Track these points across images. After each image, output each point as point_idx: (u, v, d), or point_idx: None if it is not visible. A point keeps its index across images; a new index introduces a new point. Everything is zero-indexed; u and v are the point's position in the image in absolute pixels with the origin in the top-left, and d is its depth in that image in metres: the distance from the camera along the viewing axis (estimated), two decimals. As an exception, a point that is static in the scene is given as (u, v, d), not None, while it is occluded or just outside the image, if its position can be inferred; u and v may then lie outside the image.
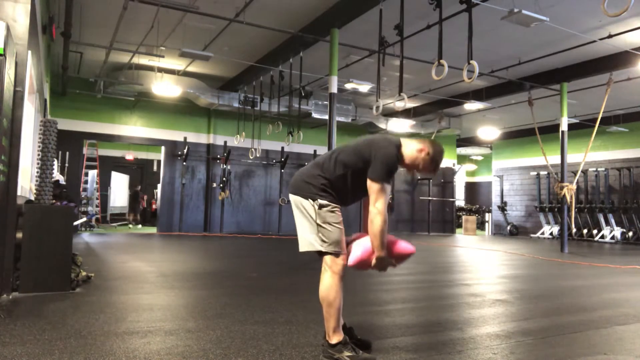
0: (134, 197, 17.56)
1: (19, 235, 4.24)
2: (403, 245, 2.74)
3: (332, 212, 2.65)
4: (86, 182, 14.49)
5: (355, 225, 10.24)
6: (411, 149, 2.77)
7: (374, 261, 2.65)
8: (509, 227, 18.45)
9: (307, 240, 2.67)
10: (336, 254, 2.63)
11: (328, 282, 2.62)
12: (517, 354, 2.88)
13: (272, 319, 3.53)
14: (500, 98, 12.81)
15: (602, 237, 14.99)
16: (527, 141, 17.69)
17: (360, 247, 2.69)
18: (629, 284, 6.01)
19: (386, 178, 2.62)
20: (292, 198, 2.75)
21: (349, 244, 2.76)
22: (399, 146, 2.76)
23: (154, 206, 17.63)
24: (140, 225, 16.47)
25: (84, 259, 5.69)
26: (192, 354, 2.66)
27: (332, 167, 2.70)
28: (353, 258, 2.67)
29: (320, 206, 2.64)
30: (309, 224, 2.66)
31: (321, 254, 2.66)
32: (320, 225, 2.63)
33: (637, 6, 7.10)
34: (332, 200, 2.67)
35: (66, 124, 12.20)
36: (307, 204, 2.67)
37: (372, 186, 2.61)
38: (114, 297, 4.19)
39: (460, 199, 24.42)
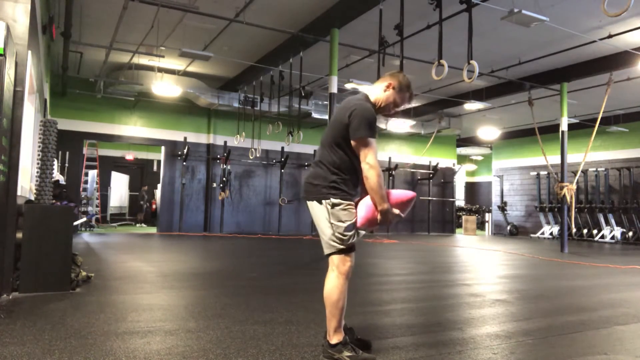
0: (141, 197, 17.66)
1: (19, 235, 4.24)
2: (401, 193, 2.72)
3: (345, 210, 2.64)
4: (86, 182, 14.49)
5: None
6: (379, 92, 2.79)
7: (379, 216, 2.63)
8: (509, 227, 18.45)
9: (328, 242, 2.65)
10: (346, 254, 2.62)
11: (333, 283, 2.62)
12: (517, 354, 2.88)
13: (272, 319, 3.53)
14: (500, 98, 12.82)
15: (602, 237, 14.99)
16: (527, 141, 17.70)
17: (364, 206, 2.67)
18: (629, 284, 6.01)
19: (369, 132, 2.60)
20: (309, 205, 2.74)
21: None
22: (367, 97, 2.77)
23: (153, 206, 17.64)
24: (144, 224, 16.56)
25: (84, 259, 5.69)
26: (192, 354, 2.66)
27: (328, 155, 2.69)
28: (360, 218, 2.66)
29: (333, 205, 2.62)
30: (326, 225, 2.64)
31: (329, 253, 2.66)
32: (335, 224, 2.62)
33: (637, 6, 7.11)
34: (345, 197, 2.65)
35: (66, 124, 12.20)
36: (321, 207, 2.65)
37: (358, 144, 2.60)
38: (114, 297, 4.19)
39: (460, 199, 24.42)
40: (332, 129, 2.73)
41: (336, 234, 2.61)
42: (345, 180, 2.68)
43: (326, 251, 2.69)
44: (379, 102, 2.79)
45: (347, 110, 2.67)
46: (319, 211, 2.67)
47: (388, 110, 2.83)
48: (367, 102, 2.73)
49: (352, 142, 2.62)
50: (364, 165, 2.59)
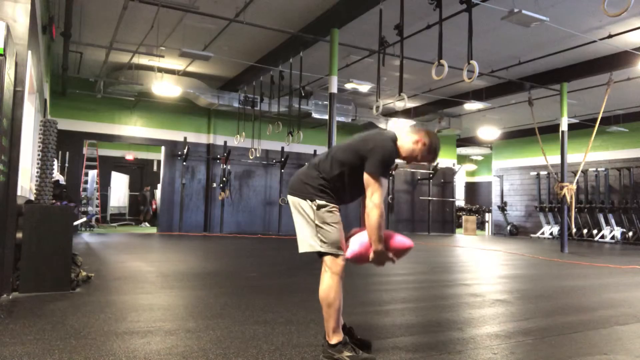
0: (143, 198, 17.66)
1: (19, 235, 4.24)
2: (401, 240, 2.74)
3: (331, 212, 2.65)
4: (86, 182, 14.48)
5: (356, 225, 10.23)
6: (407, 142, 2.78)
7: (371, 255, 2.65)
8: (509, 227, 18.45)
9: (306, 241, 2.67)
10: (335, 255, 2.63)
11: (328, 283, 2.63)
12: (517, 354, 2.88)
13: (272, 319, 3.53)
14: (500, 98, 12.81)
15: (602, 237, 14.99)
16: (527, 141, 17.69)
17: (358, 242, 2.69)
18: (629, 284, 6.01)
19: (383, 172, 2.63)
20: (291, 199, 2.75)
21: (347, 239, 2.75)
22: (395, 140, 2.77)
23: (153, 206, 17.64)
24: (147, 224, 16.57)
25: (84, 259, 5.69)
26: (192, 354, 2.66)
27: (328, 167, 2.71)
28: (351, 252, 2.68)
29: (319, 207, 2.64)
30: (308, 224, 2.66)
31: (321, 254, 2.66)
32: (319, 226, 2.63)
33: (637, 6, 7.10)
34: (331, 201, 2.68)
35: (66, 124, 12.19)
36: (306, 204, 2.67)
37: (369, 180, 2.62)
38: (114, 297, 4.19)
39: (460, 199, 24.41)
40: (346, 150, 2.73)
41: (318, 236, 2.63)
42: (331, 189, 2.70)
43: (302, 249, 2.70)
44: (402, 150, 2.79)
45: (370, 142, 2.68)
46: (302, 207, 2.68)
47: (407, 160, 2.83)
48: (392, 143, 2.73)
49: (365, 175, 2.63)
50: (368, 203, 2.61)
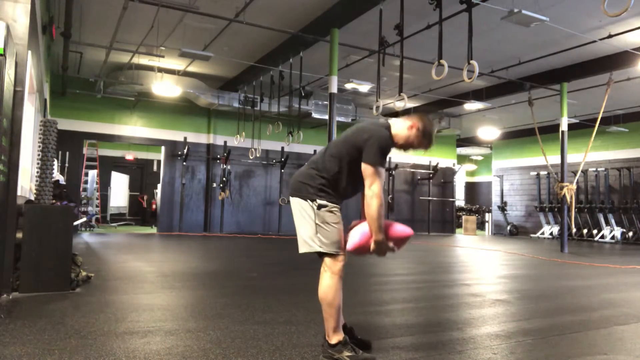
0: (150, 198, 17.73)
1: (19, 235, 4.24)
2: (400, 228, 2.73)
3: (331, 212, 2.65)
4: (86, 182, 14.48)
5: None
6: (401, 128, 2.78)
7: (372, 245, 2.64)
8: (509, 227, 18.45)
9: (306, 241, 2.66)
10: (335, 255, 2.63)
11: (327, 283, 2.62)
12: (517, 354, 2.88)
13: (272, 319, 3.53)
14: (500, 98, 12.81)
15: (602, 237, 14.99)
16: (527, 141, 17.69)
17: (359, 232, 2.69)
18: (629, 284, 6.01)
19: (380, 161, 2.62)
20: (292, 200, 2.75)
21: (347, 231, 2.75)
22: (388, 127, 2.77)
23: (153, 206, 17.63)
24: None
25: (84, 259, 5.68)
26: (192, 354, 2.66)
27: (327, 164, 2.70)
28: (351, 243, 2.67)
29: (319, 206, 2.64)
30: (308, 224, 2.65)
31: (321, 254, 2.66)
32: (320, 226, 2.63)
33: (637, 6, 7.10)
34: (331, 200, 2.67)
35: (66, 124, 12.19)
36: (306, 205, 2.67)
37: (367, 169, 2.61)
38: (114, 297, 4.19)
39: (460, 199, 24.42)
40: (343, 143, 2.73)
41: (318, 236, 2.62)
42: (331, 187, 2.69)
43: (302, 250, 2.70)
44: (398, 138, 2.78)
45: (365, 132, 2.67)
46: (303, 208, 2.67)
47: (404, 147, 2.82)
48: (387, 132, 2.73)
49: (362, 165, 2.62)
50: (367, 192, 2.60)
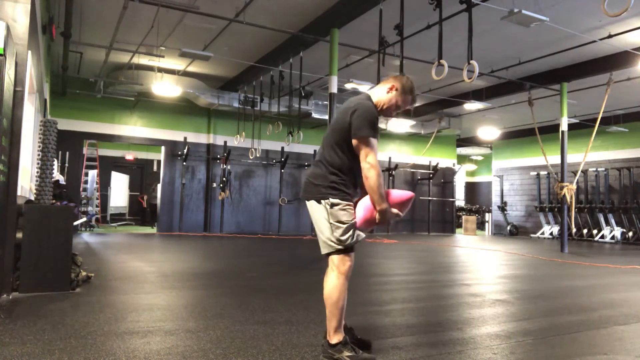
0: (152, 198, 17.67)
1: (19, 235, 4.24)
2: (400, 193, 2.72)
3: (344, 210, 2.64)
4: (86, 182, 14.48)
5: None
6: (381, 93, 2.79)
7: (377, 215, 2.63)
8: (509, 227, 18.45)
9: (326, 242, 2.65)
10: (346, 254, 2.62)
11: (333, 282, 2.62)
12: (517, 354, 2.88)
13: (272, 319, 3.53)
14: (500, 98, 12.81)
15: (602, 237, 14.99)
16: (527, 141, 17.69)
17: (362, 207, 2.68)
18: (629, 284, 6.01)
19: (370, 132, 2.61)
20: (307, 203, 2.74)
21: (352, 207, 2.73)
22: (369, 98, 2.78)
23: (144, 204, 17.64)
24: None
25: (84, 259, 5.68)
26: (192, 354, 2.66)
27: (329, 157, 2.69)
28: (358, 219, 2.66)
29: (332, 205, 2.62)
30: (325, 225, 2.64)
31: (327, 253, 2.66)
32: (334, 225, 2.61)
33: (637, 6, 7.11)
34: (345, 197, 2.66)
35: (66, 124, 12.20)
36: (320, 206, 2.66)
37: (359, 143, 2.60)
38: (114, 297, 4.19)
39: (460, 199, 24.42)
40: (333, 130, 2.73)
41: (334, 235, 2.61)
42: (345, 181, 2.68)
43: (323, 251, 2.69)
44: (381, 104, 2.79)
45: (348, 110, 2.67)
46: (317, 211, 2.67)
47: (390, 112, 2.82)
48: (369, 102, 2.73)
49: (353, 142, 2.62)
50: (364, 165, 2.59)
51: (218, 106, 13.22)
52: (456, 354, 2.82)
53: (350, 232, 2.62)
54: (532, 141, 16.67)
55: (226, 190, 13.83)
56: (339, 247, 2.61)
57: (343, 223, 2.61)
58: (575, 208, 13.01)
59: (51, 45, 9.53)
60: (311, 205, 2.71)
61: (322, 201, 2.64)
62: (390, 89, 2.77)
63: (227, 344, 2.86)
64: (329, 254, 2.66)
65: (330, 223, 2.62)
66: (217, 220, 14.08)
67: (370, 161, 2.57)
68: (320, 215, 2.65)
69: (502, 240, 15.05)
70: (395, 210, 2.65)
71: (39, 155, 4.70)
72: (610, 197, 15.23)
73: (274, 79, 10.93)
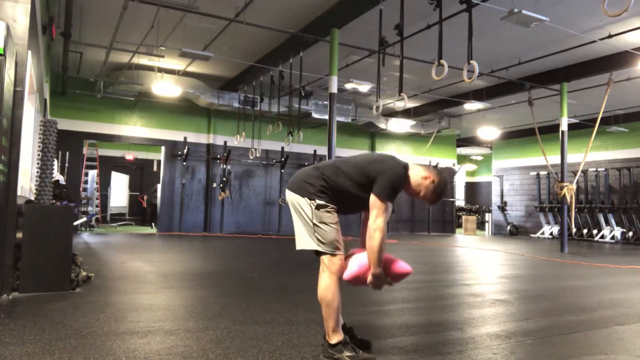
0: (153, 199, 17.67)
1: (19, 235, 4.24)
2: (400, 265, 2.74)
3: (329, 212, 2.66)
4: (86, 182, 14.48)
5: (355, 226, 10.23)
6: (417, 174, 2.77)
7: (369, 278, 2.65)
8: (509, 227, 18.45)
9: (304, 238, 2.68)
10: (333, 254, 2.64)
11: (326, 282, 2.63)
12: (517, 354, 2.88)
13: (272, 319, 3.53)
14: (500, 98, 12.81)
15: (602, 237, 14.99)
16: (527, 141, 17.69)
17: (357, 263, 2.69)
18: (629, 284, 6.01)
19: (391, 197, 2.63)
20: (290, 196, 2.75)
21: (346, 258, 2.74)
22: (406, 167, 2.76)
23: (144, 204, 17.64)
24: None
25: (84, 259, 5.69)
26: (192, 354, 2.66)
27: (332, 174, 2.71)
28: (349, 273, 2.67)
29: (318, 206, 2.65)
30: (306, 223, 2.67)
31: (318, 253, 2.67)
32: (317, 225, 2.63)
33: (637, 6, 7.10)
34: (330, 202, 2.68)
35: (66, 124, 12.20)
36: (304, 202, 2.67)
37: (376, 202, 2.61)
38: (114, 297, 4.19)
39: (460, 199, 24.41)
40: (354, 166, 2.72)
41: (316, 235, 2.63)
42: (331, 200, 2.69)
43: (299, 246, 2.71)
44: (412, 182, 2.78)
45: (382, 164, 2.68)
46: (299, 204, 2.68)
47: (412, 192, 2.82)
48: (404, 171, 2.72)
49: (372, 196, 2.62)
50: (371, 224, 2.60)
51: (218, 106, 13.22)
52: (456, 354, 2.82)
53: (331, 238, 2.62)
54: (532, 141, 16.67)
55: (226, 190, 13.83)
56: (318, 247, 2.63)
57: (326, 224, 2.63)
58: (575, 208, 13.01)
59: (51, 45, 9.53)
60: (295, 198, 2.71)
61: (307, 199, 2.66)
62: (427, 178, 2.76)
63: (227, 344, 2.86)
64: (317, 253, 2.67)
65: (314, 223, 2.64)
66: (217, 221, 14.08)
67: (379, 224, 2.58)
68: (302, 211, 2.67)
69: (502, 240, 15.05)
70: (388, 279, 2.69)
71: (39, 155, 4.70)
72: (610, 197, 15.23)
73: (273, 79, 10.93)
